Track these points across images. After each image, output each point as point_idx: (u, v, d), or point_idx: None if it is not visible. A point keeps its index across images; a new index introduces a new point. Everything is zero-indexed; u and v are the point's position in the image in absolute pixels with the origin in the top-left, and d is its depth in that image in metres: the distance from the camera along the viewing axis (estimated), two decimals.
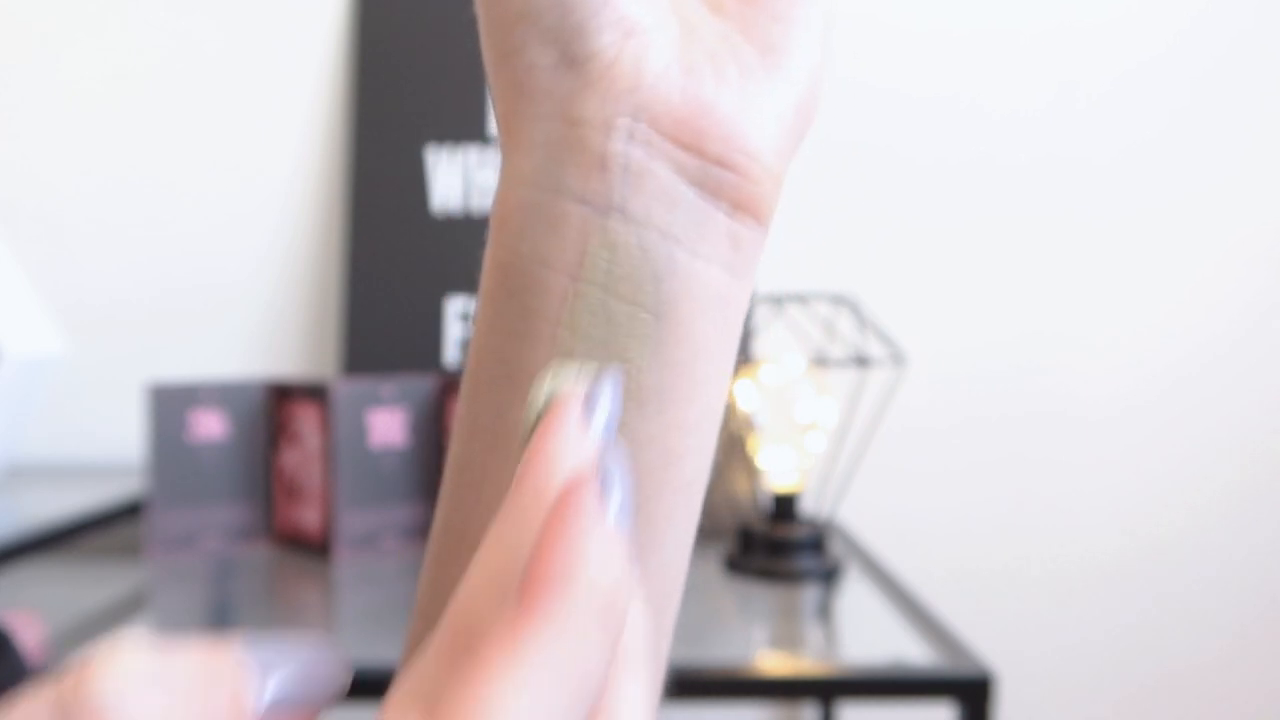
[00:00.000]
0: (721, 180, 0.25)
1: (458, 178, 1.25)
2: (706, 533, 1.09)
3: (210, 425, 1.03)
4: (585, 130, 0.25)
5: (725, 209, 0.26)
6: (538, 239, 0.25)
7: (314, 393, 1.01)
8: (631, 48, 0.25)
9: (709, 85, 0.25)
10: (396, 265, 1.24)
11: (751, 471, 1.03)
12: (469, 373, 0.28)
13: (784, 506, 0.98)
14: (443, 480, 0.28)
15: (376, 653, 0.69)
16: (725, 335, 0.27)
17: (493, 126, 1.22)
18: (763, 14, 0.26)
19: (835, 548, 1.02)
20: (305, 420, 1.02)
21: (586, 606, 0.18)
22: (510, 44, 0.25)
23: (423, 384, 1.05)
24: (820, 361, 0.97)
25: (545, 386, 0.22)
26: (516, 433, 0.26)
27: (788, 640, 0.83)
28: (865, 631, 0.83)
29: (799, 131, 0.27)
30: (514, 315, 0.26)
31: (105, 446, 1.28)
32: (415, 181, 1.26)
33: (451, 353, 1.22)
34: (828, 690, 0.73)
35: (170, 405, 1.01)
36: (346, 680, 0.20)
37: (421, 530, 1.03)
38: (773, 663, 0.75)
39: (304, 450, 1.02)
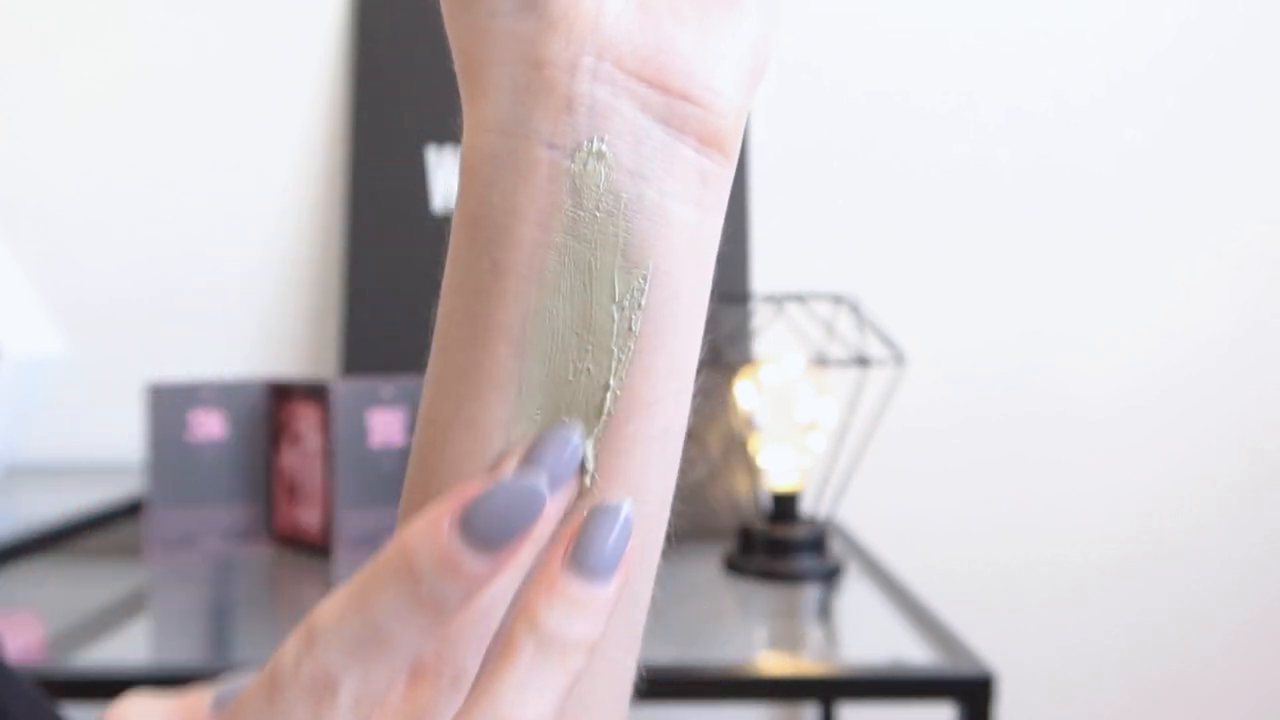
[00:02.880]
0: (687, 115, 0.26)
1: (458, 177, 1.25)
2: (706, 533, 1.09)
3: (210, 425, 1.03)
4: (550, 71, 0.25)
5: (692, 144, 0.26)
6: (507, 187, 0.26)
7: (314, 393, 1.01)
8: None
9: (667, 24, 0.26)
10: (396, 265, 1.24)
11: (751, 471, 1.03)
12: (438, 333, 0.28)
13: (784, 506, 0.98)
14: (413, 438, 0.29)
15: None
16: (697, 275, 0.27)
17: None
18: None
19: (835, 548, 1.02)
20: (305, 420, 1.02)
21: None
22: None
23: (423, 384, 1.05)
24: (820, 361, 0.97)
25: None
26: (483, 392, 0.26)
27: (788, 640, 0.83)
28: (865, 631, 0.83)
29: (757, 72, 0.27)
30: (484, 271, 0.26)
31: (105, 446, 1.28)
32: (415, 181, 1.26)
33: None
34: (828, 690, 0.73)
35: (170, 405, 1.01)
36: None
37: None
38: (773, 663, 0.75)
39: (304, 450, 1.02)
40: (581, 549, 0.22)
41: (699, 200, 0.26)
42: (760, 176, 1.29)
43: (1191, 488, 1.31)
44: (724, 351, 1.04)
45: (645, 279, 0.26)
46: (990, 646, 0.90)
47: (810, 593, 0.91)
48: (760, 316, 1.09)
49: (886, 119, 1.31)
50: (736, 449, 1.10)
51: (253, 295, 1.31)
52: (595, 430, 0.26)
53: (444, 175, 1.26)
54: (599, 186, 0.25)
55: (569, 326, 0.26)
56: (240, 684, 0.23)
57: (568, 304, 0.26)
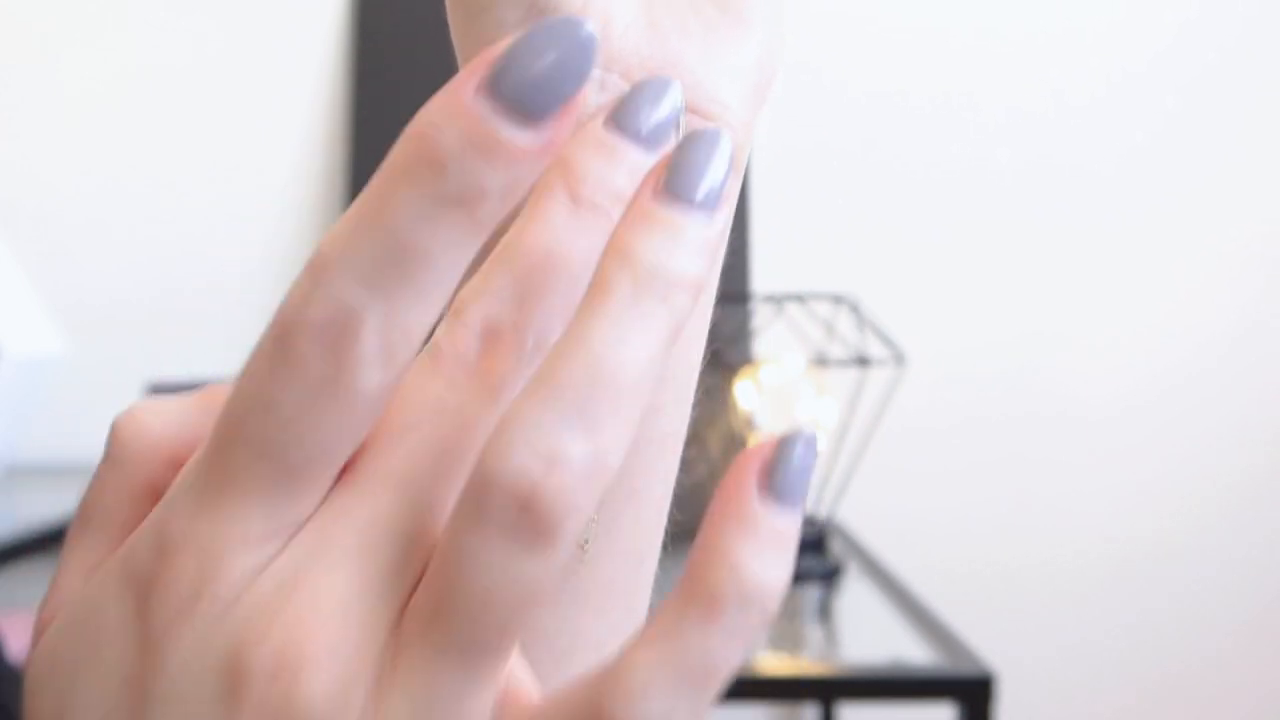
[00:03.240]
0: (694, 127, 0.26)
1: None
2: None
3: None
4: None
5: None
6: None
7: None
8: (597, 2, 0.25)
9: (674, 38, 0.26)
10: None
11: None
12: None
13: None
14: None
15: None
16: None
17: None
18: None
19: (835, 548, 1.02)
20: None
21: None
22: (478, 3, 0.25)
23: None
24: (820, 361, 0.97)
25: None
26: None
27: (788, 640, 0.83)
28: (865, 631, 0.83)
29: (762, 87, 0.27)
30: None
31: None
32: None
33: None
34: (828, 690, 0.73)
35: None
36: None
37: None
38: (773, 663, 0.75)
39: None
40: (678, 172, 0.18)
41: None
42: (760, 176, 1.29)
43: (1191, 488, 1.31)
44: (724, 351, 1.04)
45: None
46: (990, 646, 0.90)
47: (810, 593, 0.91)
48: (760, 316, 1.09)
49: (887, 119, 1.31)
50: (736, 449, 1.10)
51: (253, 295, 1.31)
52: None
53: None
54: None
55: None
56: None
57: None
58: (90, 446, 1.38)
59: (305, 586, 0.17)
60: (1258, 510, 1.31)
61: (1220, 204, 1.31)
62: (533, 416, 0.16)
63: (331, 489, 0.18)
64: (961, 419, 1.30)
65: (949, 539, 1.30)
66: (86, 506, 0.20)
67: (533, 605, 0.17)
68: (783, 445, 0.18)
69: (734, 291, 1.21)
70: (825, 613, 0.88)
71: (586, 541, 0.25)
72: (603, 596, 0.27)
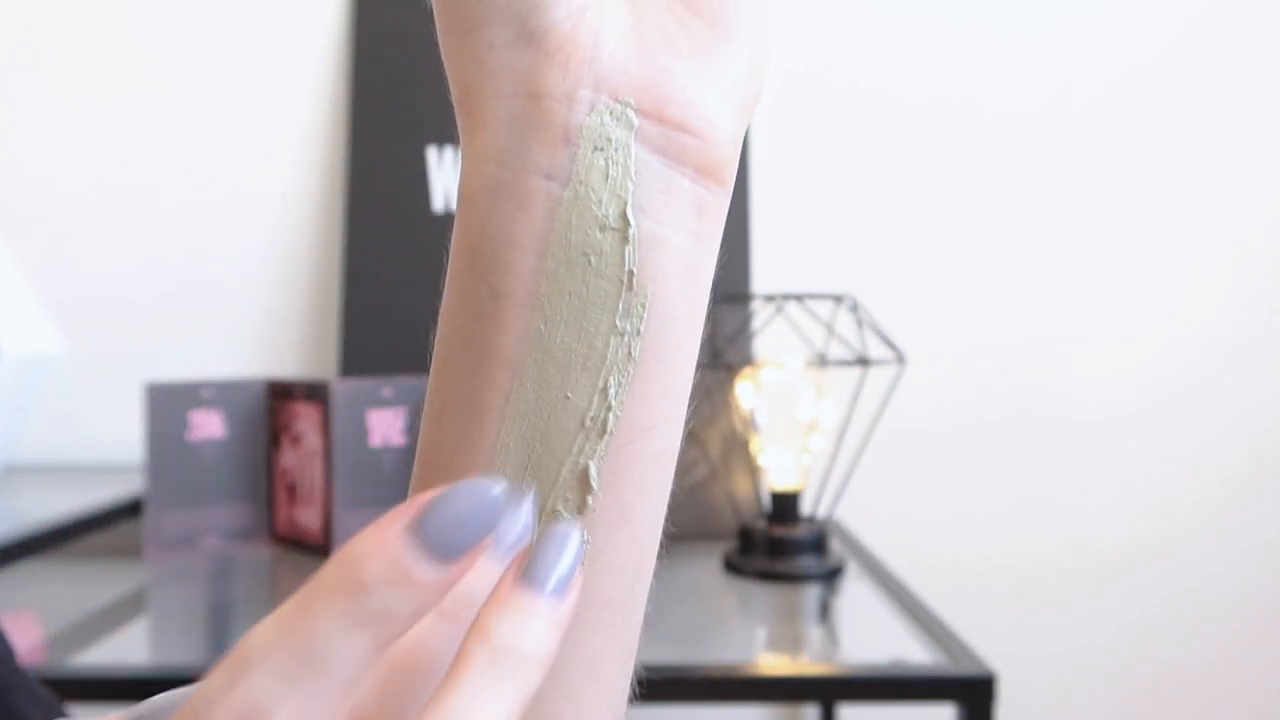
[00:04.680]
0: (684, 146, 0.26)
1: (458, 178, 1.25)
2: (706, 533, 1.09)
3: (210, 425, 1.03)
4: (548, 103, 0.25)
5: (689, 174, 0.26)
6: (505, 218, 0.26)
7: (314, 393, 1.00)
8: (587, 21, 0.25)
9: (663, 55, 0.26)
10: (396, 266, 1.24)
11: (752, 471, 1.03)
12: (437, 358, 0.28)
13: (784, 506, 0.98)
14: (415, 460, 0.29)
15: None
16: (693, 303, 0.27)
17: None
18: None
19: (835, 548, 1.02)
20: (305, 420, 1.02)
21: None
22: (469, 23, 0.25)
23: (423, 384, 1.05)
24: (820, 361, 0.97)
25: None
26: (484, 416, 0.26)
27: (788, 640, 0.83)
28: (865, 631, 0.83)
29: (750, 101, 0.27)
30: (483, 299, 0.26)
31: (105, 446, 1.28)
32: (415, 181, 1.25)
33: None
34: (828, 690, 0.73)
35: (169, 405, 1.01)
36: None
37: None
38: (773, 663, 0.75)
39: (304, 450, 1.02)
40: (534, 565, 0.22)
41: (694, 230, 0.27)
42: (760, 176, 1.29)
43: (1191, 488, 1.31)
44: (724, 351, 1.04)
45: (644, 306, 0.26)
46: (990, 646, 0.90)
47: (810, 593, 0.91)
48: (760, 316, 1.09)
49: (887, 119, 1.31)
50: (737, 449, 1.10)
51: (253, 295, 1.31)
52: (598, 451, 0.26)
53: (444, 175, 1.26)
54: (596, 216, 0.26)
55: (568, 352, 0.26)
56: (154, 704, 0.22)
57: (567, 330, 0.26)
58: (90, 446, 1.39)
59: None
60: (1258, 510, 1.31)
61: (1221, 204, 1.31)
62: None
63: None
64: (961, 419, 1.30)
65: (949, 539, 1.30)
66: None
67: None
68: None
69: (734, 291, 1.21)
70: (825, 613, 0.88)
71: None
72: (599, 612, 0.27)
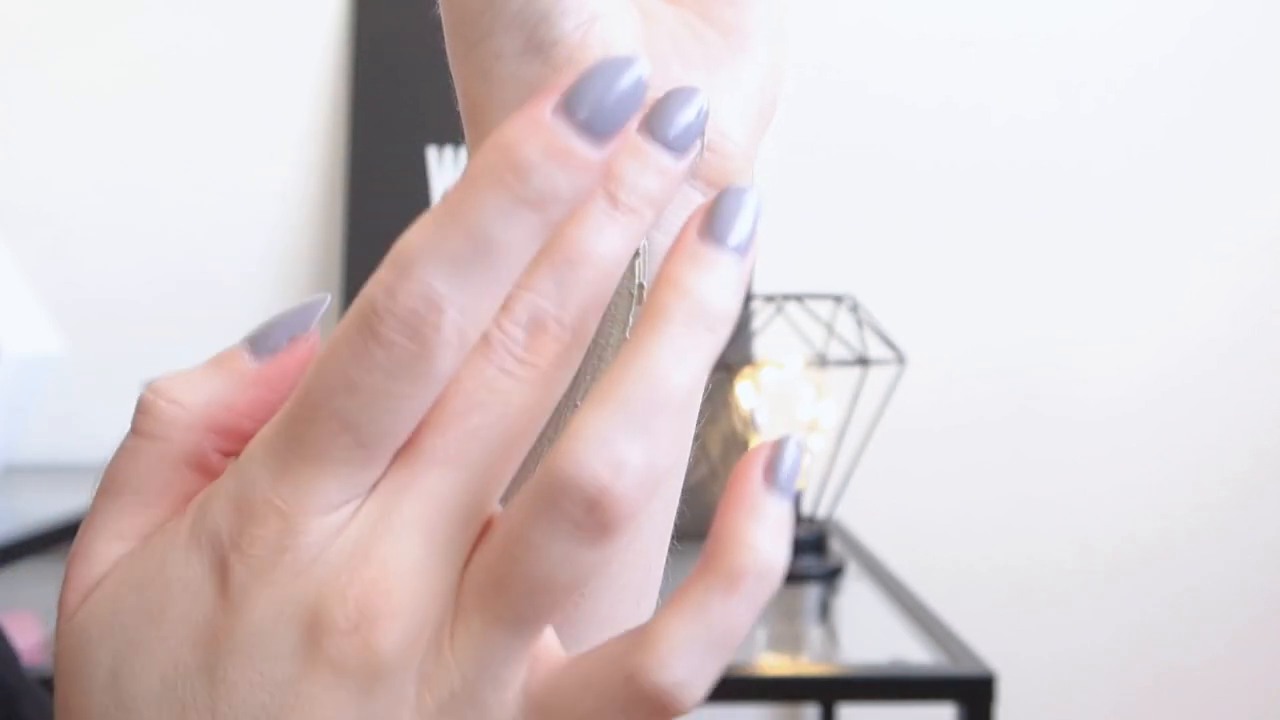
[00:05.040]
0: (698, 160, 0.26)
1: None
2: (706, 533, 1.09)
3: None
4: None
5: (701, 189, 0.26)
6: None
7: None
8: (596, 32, 0.25)
9: (675, 67, 0.25)
10: None
11: None
12: None
13: None
14: None
15: None
16: None
17: None
18: None
19: (835, 548, 1.02)
20: None
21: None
22: (477, 33, 0.25)
23: None
24: (820, 361, 0.97)
25: None
26: None
27: (788, 640, 0.83)
28: (865, 631, 0.83)
29: (766, 112, 0.27)
30: None
31: (105, 446, 1.27)
32: (415, 181, 1.25)
33: None
34: (828, 690, 0.73)
35: None
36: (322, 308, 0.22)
37: None
38: (773, 663, 0.75)
39: None
40: (716, 220, 0.21)
41: None
42: (760, 176, 1.29)
43: (1192, 488, 1.31)
44: (724, 351, 1.03)
45: None
46: (990, 646, 0.90)
47: (810, 593, 0.91)
48: (760, 316, 1.08)
49: (887, 119, 1.31)
50: (736, 449, 1.10)
51: (253, 295, 1.31)
52: None
53: (444, 175, 1.26)
54: None
55: (582, 368, 0.26)
56: (273, 321, 0.22)
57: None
58: (90, 446, 1.38)
59: (378, 550, 0.19)
60: (1258, 510, 1.31)
61: (1222, 205, 1.31)
62: (603, 428, 0.19)
63: (393, 461, 0.20)
64: (961, 419, 1.30)
65: (949, 539, 1.30)
66: (115, 477, 0.22)
67: (581, 589, 0.19)
68: (780, 446, 0.21)
69: None
70: (825, 613, 0.88)
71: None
72: (603, 630, 0.27)
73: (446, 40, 0.26)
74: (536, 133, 0.19)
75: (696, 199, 0.26)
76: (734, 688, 0.72)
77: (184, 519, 0.20)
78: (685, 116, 0.22)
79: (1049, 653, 1.30)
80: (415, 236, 0.19)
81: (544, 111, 0.19)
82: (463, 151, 1.25)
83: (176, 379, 0.22)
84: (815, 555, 0.95)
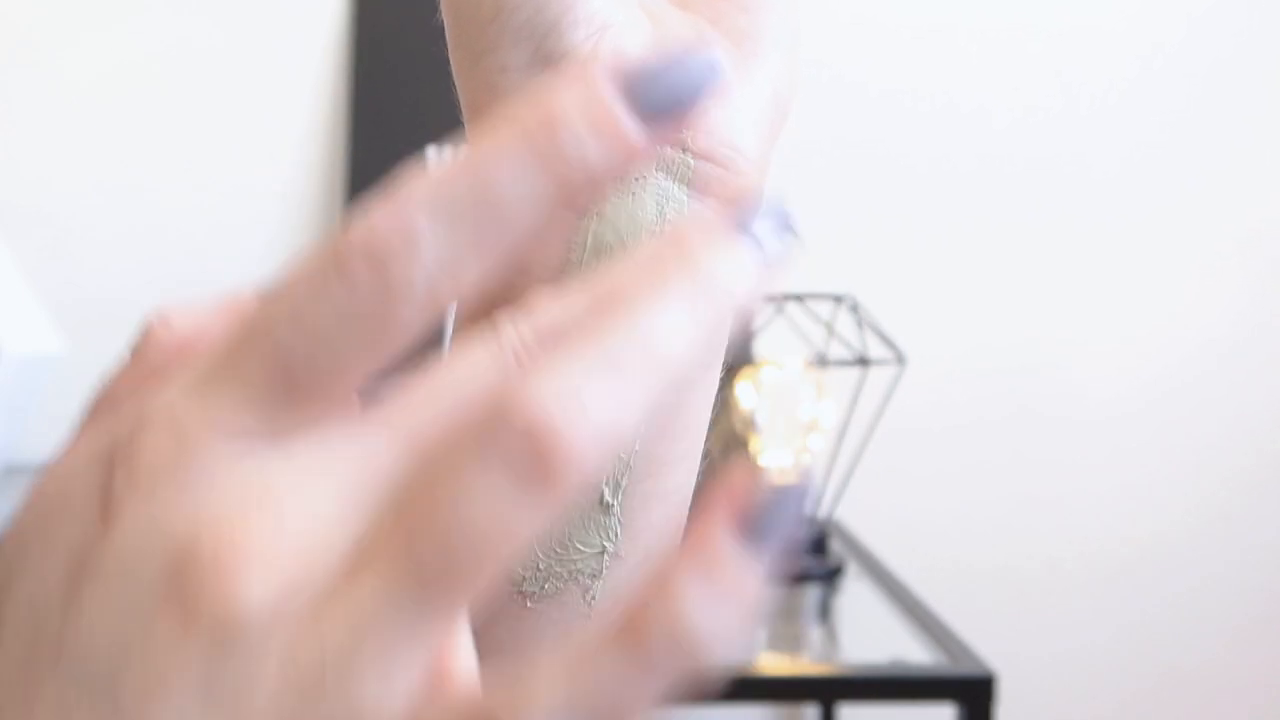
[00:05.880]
0: (709, 175, 0.25)
1: None
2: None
3: None
4: None
5: (713, 205, 0.26)
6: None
7: None
8: (607, 43, 0.24)
9: None
10: None
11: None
12: None
13: None
14: None
15: None
16: (714, 336, 0.27)
17: None
18: (729, 4, 0.26)
19: (835, 548, 1.02)
20: None
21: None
22: (483, 44, 0.24)
23: None
24: (820, 361, 0.97)
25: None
26: None
27: (788, 640, 0.83)
28: (865, 631, 0.83)
29: (778, 122, 0.26)
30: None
31: None
32: None
33: None
34: (828, 690, 0.73)
35: None
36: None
37: None
38: (773, 663, 0.75)
39: None
40: (743, 214, 0.19)
41: None
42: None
43: (1192, 488, 1.31)
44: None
45: None
46: (990, 646, 0.90)
47: (810, 593, 0.91)
48: (760, 317, 1.09)
49: (887, 118, 1.31)
50: (736, 449, 1.10)
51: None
52: (622, 486, 0.26)
53: None
54: (613, 245, 0.25)
55: None
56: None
57: None
58: None
59: (281, 493, 0.16)
60: (1258, 510, 1.31)
61: (1222, 205, 1.31)
62: (564, 361, 0.16)
63: (334, 417, 0.17)
64: (961, 419, 1.30)
65: (949, 539, 1.30)
66: (98, 396, 0.20)
67: (503, 556, 0.15)
68: (777, 494, 0.17)
69: None
70: (825, 613, 0.88)
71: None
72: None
73: (450, 52, 0.25)
74: (583, 91, 0.17)
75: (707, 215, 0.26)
76: (734, 688, 0.72)
77: (97, 429, 0.18)
78: (774, 223, 0.19)
79: (1049, 653, 1.30)
80: (419, 177, 0.17)
81: (599, 74, 0.17)
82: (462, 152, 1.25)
83: (179, 305, 0.21)
84: (815, 555, 0.95)
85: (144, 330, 0.20)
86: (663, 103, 0.17)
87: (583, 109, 0.17)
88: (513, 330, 0.18)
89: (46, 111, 1.32)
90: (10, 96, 1.32)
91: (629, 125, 0.17)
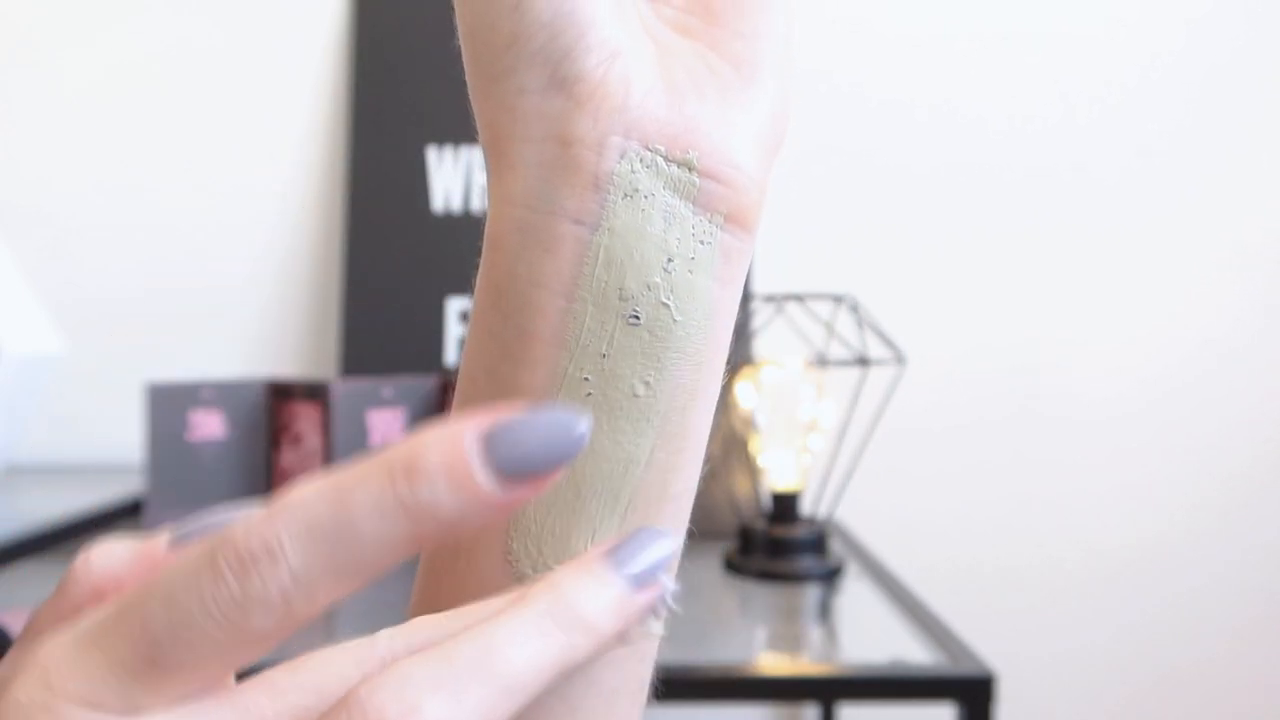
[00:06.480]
0: (712, 193, 0.26)
1: (458, 178, 1.25)
2: (706, 533, 1.09)
3: (210, 425, 1.03)
4: (578, 150, 0.25)
5: (718, 222, 0.27)
6: (532, 260, 0.26)
7: (314, 393, 1.00)
8: (617, 68, 0.25)
9: (691, 102, 0.26)
10: (396, 265, 1.24)
11: (752, 471, 1.03)
12: (461, 390, 0.28)
13: (784, 506, 0.98)
14: None
15: None
16: (716, 345, 0.27)
17: None
18: (727, 31, 0.27)
19: (835, 548, 1.02)
20: (305, 420, 1.02)
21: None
22: (499, 68, 0.25)
23: (423, 384, 1.05)
24: (820, 361, 0.97)
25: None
26: None
27: (788, 640, 0.83)
28: (865, 631, 0.83)
29: (776, 141, 0.28)
30: (509, 337, 0.26)
31: (105, 446, 1.28)
32: (415, 181, 1.25)
33: (452, 353, 1.22)
34: (828, 690, 0.73)
35: (170, 405, 1.01)
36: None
37: None
38: (773, 663, 0.75)
39: (304, 450, 1.02)
40: (627, 550, 0.22)
41: (719, 275, 0.27)
42: None
43: (1192, 489, 1.31)
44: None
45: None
46: (990, 646, 0.90)
47: (810, 593, 0.91)
48: (760, 316, 1.09)
49: (887, 120, 1.31)
50: (737, 449, 1.10)
51: (253, 295, 1.31)
52: (626, 492, 0.27)
53: (444, 175, 1.26)
54: (624, 261, 0.26)
55: (597, 392, 0.26)
56: (197, 524, 0.22)
57: (595, 371, 0.26)
58: (90, 446, 1.38)
59: None
60: (1258, 511, 1.31)
61: (1221, 206, 1.31)
62: (411, 669, 0.19)
63: (196, 697, 0.19)
64: (962, 419, 1.30)
65: (949, 539, 1.30)
66: (26, 624, 0.22)
67: None
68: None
69: None
70: (825, 613, 0.88)
71: None
72: (615, 649, 0.27)
73: (468, 74, 0.26)
74: (447, 447, 0.19)
75: (715, 232, 0.26)
76: (734, 688, 0.72)
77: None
78: (652, 554, 0.22)
79: (1049, 653, 1.30)
80: (301, 490, 0.19)
81: (464, 432, 0.19)
82: (462, 152, 1.25)
83: (107, 544, 0.23)
84: (815, 555, 0.95)
85: (71, 568, 0.22)
86: (522, 465, 0.19)
87: (444, 463, 0.19)
88: (387, 640, 0.21)
89: (46, 111, 1.32)
90: (10, 96, 1.32)
91: (485, 484, 0.19)
